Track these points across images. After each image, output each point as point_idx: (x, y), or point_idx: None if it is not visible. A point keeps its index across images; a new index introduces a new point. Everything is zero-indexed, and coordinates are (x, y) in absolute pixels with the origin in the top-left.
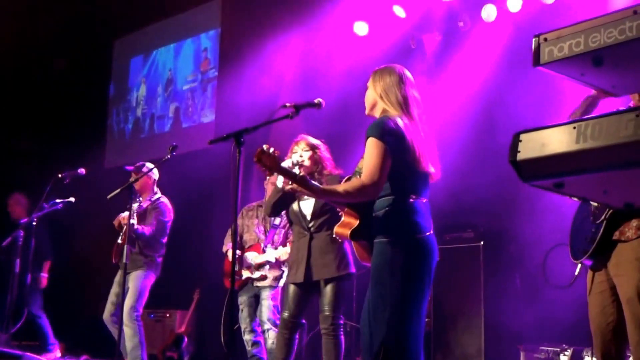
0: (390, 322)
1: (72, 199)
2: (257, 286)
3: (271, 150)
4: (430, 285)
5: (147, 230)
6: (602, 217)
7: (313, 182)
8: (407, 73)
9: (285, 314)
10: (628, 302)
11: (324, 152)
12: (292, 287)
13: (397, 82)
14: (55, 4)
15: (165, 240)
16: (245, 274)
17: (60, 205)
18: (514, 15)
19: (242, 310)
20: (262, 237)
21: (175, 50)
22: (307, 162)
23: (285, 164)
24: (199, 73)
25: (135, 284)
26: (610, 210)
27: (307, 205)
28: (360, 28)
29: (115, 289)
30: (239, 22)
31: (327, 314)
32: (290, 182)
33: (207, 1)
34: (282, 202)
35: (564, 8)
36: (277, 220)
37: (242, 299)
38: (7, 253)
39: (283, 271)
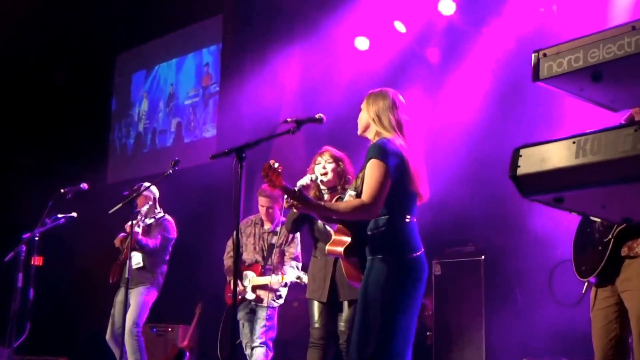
0: (378, 336)
1: (74, 214)
2: (254, 303)
3: (276, 165)
4: (420, 299)
5: (150, 242)
6: (610, 236)
7: (312, 198)
8: (400, 97)
9: (317, 325)
10: (638, 319)
11: (348, 165)
12: (316, 303)
13: (390, 106)
14: (57, 19)
15: (167, 257)
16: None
17: (63, 220)
18: (516, 30)
19: (242, 325)
20: (260, 258)
21: (177, 66)
22: (330, 175)
23: (305, 179)
24: (200, 88)
25: (138, 300)
26: (619, 229)
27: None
28: (361, 43)
29: (116, 308)
30: (241, 37)
31: (343, 330)
32: (288, 199)
33: (208, 17)
34: (302, 219)
35: (565, 23)
36: (274, 239)
37: (241, 315)
38: (10, 268)
39: (279, 290)
